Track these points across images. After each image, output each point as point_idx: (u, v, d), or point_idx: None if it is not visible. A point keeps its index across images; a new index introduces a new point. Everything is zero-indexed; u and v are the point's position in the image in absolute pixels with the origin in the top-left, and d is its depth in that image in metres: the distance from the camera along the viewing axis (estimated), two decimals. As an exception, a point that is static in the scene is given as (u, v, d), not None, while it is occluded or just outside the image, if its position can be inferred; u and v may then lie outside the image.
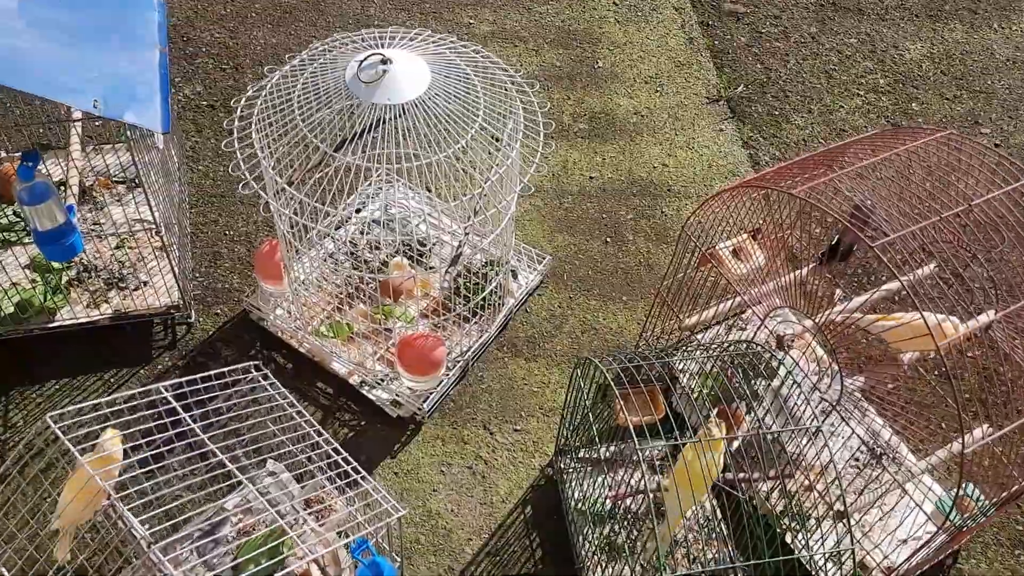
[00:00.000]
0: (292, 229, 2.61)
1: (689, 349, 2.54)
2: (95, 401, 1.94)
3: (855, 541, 2.11)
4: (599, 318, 3.11)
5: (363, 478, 2.12)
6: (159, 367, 2.87)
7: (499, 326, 3.02)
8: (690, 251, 2.55)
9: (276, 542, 2.38)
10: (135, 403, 2.01)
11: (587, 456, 2.63)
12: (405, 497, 2.64)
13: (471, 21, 4.11)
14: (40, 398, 2.76)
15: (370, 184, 3.30)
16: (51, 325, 2.81)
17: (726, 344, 2.40)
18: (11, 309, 2.81)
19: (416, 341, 2.68)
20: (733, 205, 2.55)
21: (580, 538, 2.50)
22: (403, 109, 2.41)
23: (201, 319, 3.00)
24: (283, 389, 2.24)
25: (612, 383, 2.17)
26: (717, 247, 2.64)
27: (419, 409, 2.76)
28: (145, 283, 2.95)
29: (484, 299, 2.93)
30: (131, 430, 2.01)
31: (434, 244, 3.17)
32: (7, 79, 2.18)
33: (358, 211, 3.25)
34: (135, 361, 2.87)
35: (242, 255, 3.19)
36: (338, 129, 2.43)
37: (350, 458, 2.15)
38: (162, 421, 2.01)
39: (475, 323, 2.97)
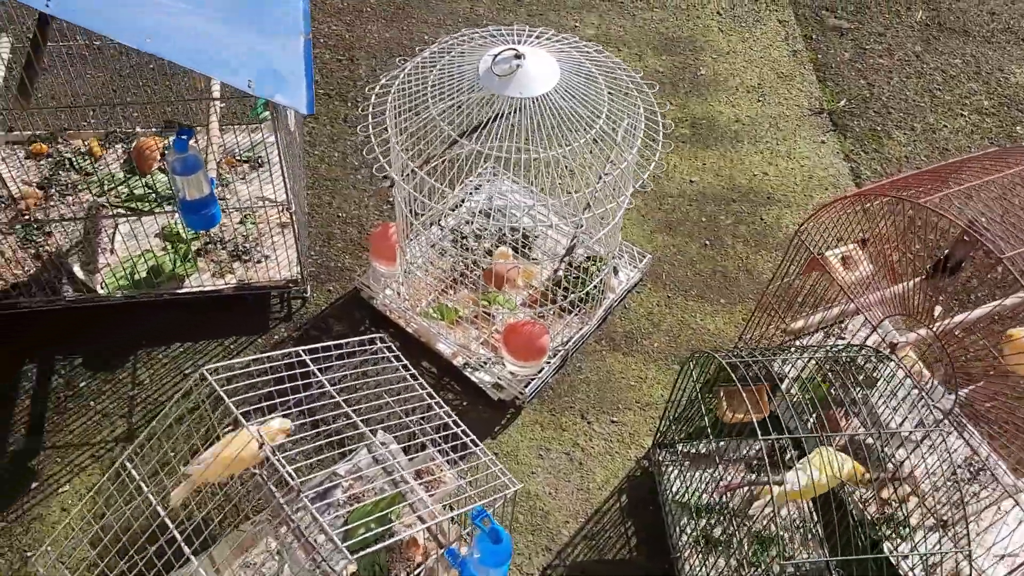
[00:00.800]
0: (413, 204, 2.71)
1: (799, 350, 2.58)
2: (247, 359, 2.07)
3: (954, 550, 2.15)
4: (696, 319, 3.17)
5: (481, 451, 2.22)
6: (275, 337, 3.01)
7: (599, 320, 3.10)
8: (802, 256, 2.60)
9: (387, 510, 2.50)
10: (276, 363, 2.13)
11: (687, 450, 2.69)
12: (486, 496, 2.74)
13: (576, 24, 4.20)
14: (166, 359, 2.92)
15: (476, 176, 3.40)
16: (180, 291, 2.97)
17: (838, 347, 2.45)
18: (144, 273, 2.98)
19: (523, 328, 2.77)
20: (844, 214, 2.60)
21: (677, 529, 2.57)
22: (532, 103, 2.51)
23: (314, 295, 3.13)
24: (405, 361, 2.35)
25: (728, 372, 2.23)
26: (826, 254, 2.69)
27: (520, 393, 2.85)
28: (267, 257, 3.09)
29: (586, 293, 3.01)
30: (268, 389, 2.13)
31: (536, 237, 3.27)
32: (168, 52, 2.31)
33: (463, 202, 3.37)
34: (253, 330, 3.02)
35: (353, 237, 3.32)
36: (467, 118, 2.54)
37: (468, 431, 2.25)
38: (296, 383, 2.12)
39: (575, 315, 3.06)
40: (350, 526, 2.51)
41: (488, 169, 3.41)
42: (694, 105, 3.89)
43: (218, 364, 2.04)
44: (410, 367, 2.35)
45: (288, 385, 2.10)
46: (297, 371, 2.13)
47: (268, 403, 2.10)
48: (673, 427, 2.62)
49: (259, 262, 3.08)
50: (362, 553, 2.01)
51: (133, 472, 1.99)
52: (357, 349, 2.28)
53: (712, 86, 3.98)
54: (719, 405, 2.56)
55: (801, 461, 2.38)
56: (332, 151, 3.59)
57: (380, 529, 2.50)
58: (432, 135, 2.54)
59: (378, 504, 2.52)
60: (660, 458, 2.73)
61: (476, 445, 2.22)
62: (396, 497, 2.53)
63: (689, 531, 2.57)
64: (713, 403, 2.52)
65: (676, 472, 2.67)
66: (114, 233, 3.12)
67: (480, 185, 3.40)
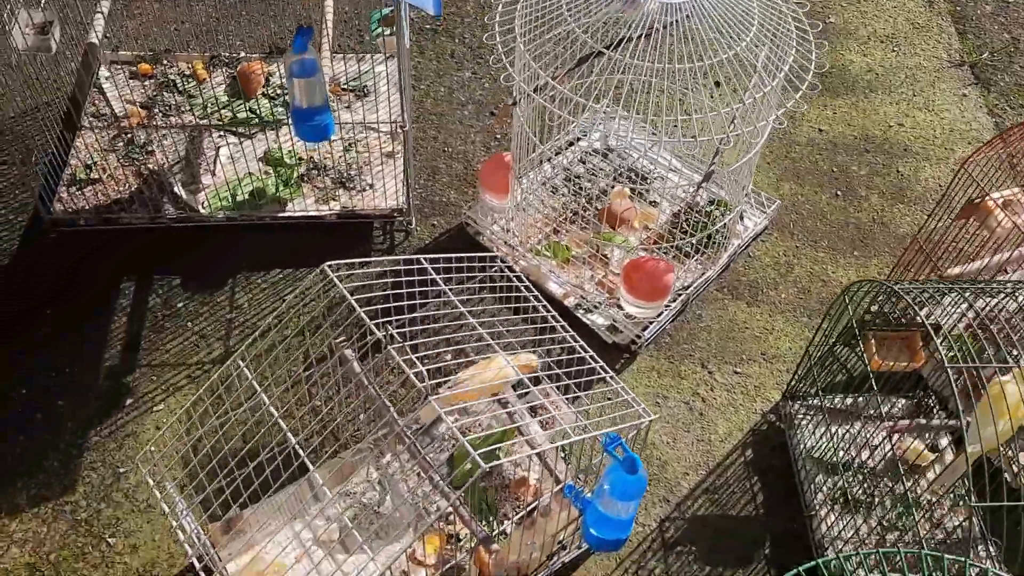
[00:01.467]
0: (536, 127, 2.53)
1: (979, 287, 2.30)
2: (366, 259, 1.91)
3: None
4: (828, 271, 2.92)
5: (612, 378, 2.03)
6: (377, 268, 2.86)
7: (721, 267, 2.88)
8: (965, 193, 2.35)
9: (494, 446, 2.32)
10: (396, 268, 1.97)
11: (823, 404, 2.46)
12: (617, 423, 2.54)
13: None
14: (265, 284, 2.79)
15: (592, 114, 3.21)
16: (281, 215, 2.84)
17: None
18: (246, 196, 2.86)
19: (646, 264, 2.57)
20: (1008, 154, 2.34)
21: (811, 487, 2.34)
22: (679, 10, 2.30)
23: (418, 228, 2.98)
24: (527, 283, 2.17)
25: (885, 313, 2.00)
26: (986, 199, 2.43)
27: (637, 337, 2.65)
28: (371, 186, 2.95)
29: (709, 237, 2.80)
30: (385, 292, 1.97)
31: (655, 179, 3.06)
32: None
33: (577, 140, 3.18)
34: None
35: (459, 172, 3.16)
36: (603, 31, 2.34)
37: (596, 356, 2.06)
38: (413, 290, 1.96)
39: (697, 260, 2.84)
40: (454, 464, 2.34)
41: (605, 107, 3.21)
42: (821, 53, 3.63)
43: (338, 262, 1.89)
44: (532, 289, 2.17)
45: (404, 291, 1.93)
46: (416, 278, 1.96)
47: (391, 305, 1.94)
48: (815, 371, 2.38)
49: (363, 190, 2.93)
50: (462, 489, 1.83)
51: (246, 371, 1.85)
52: (478, 265, 2.11)
53: (842, 34, 3.72)
54: (868, 350, 2.32)
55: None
56: (438, 86, 3.43)
57: (488, 465, 2.33)
58: (564, 49, 2.35)
59: (487, 439, 2.35)
60: (792, 411, 2.50)
61: (606, 372, 2.03)
62: (509, 432, 2.36)
63: (825, 489, 2.33)
64: (859, 350, 2.28)
65: (811, 426, 2.44)
66: (216, 156, 3.01)
67: (595, 124, 3.21)
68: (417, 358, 1.72)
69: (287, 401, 2.37)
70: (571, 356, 2.07)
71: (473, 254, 2.11)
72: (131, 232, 2.84)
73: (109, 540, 2.28)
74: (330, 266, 1.87)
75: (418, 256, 1.99)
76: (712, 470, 2.46)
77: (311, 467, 1.80)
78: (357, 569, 1.84)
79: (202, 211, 2.83)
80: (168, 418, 2.49)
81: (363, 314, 1.77)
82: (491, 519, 2.25)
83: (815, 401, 2.48)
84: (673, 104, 3.17)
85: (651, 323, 2.68)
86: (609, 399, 1.94)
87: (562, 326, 2.10)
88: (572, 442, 1.92)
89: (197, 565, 1.88)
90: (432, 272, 1.97)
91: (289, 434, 1.86)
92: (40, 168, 2.86)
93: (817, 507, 2.30)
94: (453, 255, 2.06)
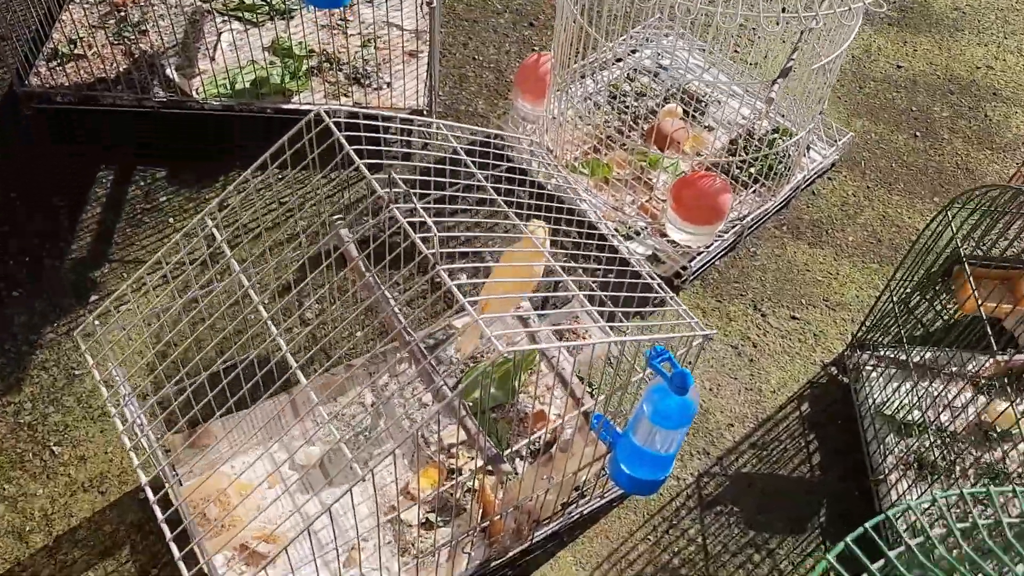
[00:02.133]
0: (589, 14, 2.17)
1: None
2: (369, 110, 1.57)
3: None
4: (903, 215, 2.55)
5: (659, 285, 1.67)
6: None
7: (781, 201, 2.51)
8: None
9: (509, 379, 1.98)
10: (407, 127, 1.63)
11: (897, 356, 2.09)
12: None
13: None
14: (260, 184, 2.44)
15: (642, 29, 2.85)
16: (285, 106, 2.50)
17: None
18: (247, 84, 2.52)
19: (699, 181, 2.21)
20: None
21: (880, 447, 1.98)
22: None
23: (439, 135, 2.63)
24: (564, 173, 1.82)
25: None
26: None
27: (682, 269, 2.29)
28: (388, 84, 2.60)
29: (769, 167, 2.44)
30: (413, 177, 1.63)
31: (711, 103, 2.70)
32: None
33: (629, 54, 2.82)
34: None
35: (489, 81, 2.81)
36: None
37: (644, 264, 1.71)
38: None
39: (755, 191, 2.48)
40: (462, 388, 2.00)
41: (655, 23, 2.86)
42: (903, -12, 3.26)
43: (336, 107, 1.55)
44: (569, 181, 1.82)
45: (421, 152, 1.59)
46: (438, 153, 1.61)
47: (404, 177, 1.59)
48: (896, 312, 2.01)
49: (380, 88, 2.59)
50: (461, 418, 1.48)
51: (216, 232, 1.52)
52: (506, 144, 1.76)
53: (925, -29, 3.34)
54: (961, 289, 1.95)
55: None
56: (473, -8, 3.09)
57: (499, 393, 1.99)
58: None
59: (501, 365, 2.01)
60: (860, 362, 2.14)
61: (652, 278, 1.68)
62: (528, 358, 2.01)
63: (897, 451, 1.97)
64: (943, 297, 1.92)
65: (881, 380, 2.08)
66: (217, 41, 2.68)
67: (646, 40, 2.85)
68: (434, 222, 1.37)
69: (273, 309, 2.04)
70: (609, 255, 1.71)
71: (503, 133, 1.76)
72: (113, 115, 2.51)
73: (54, 448, 1.95)
74: (327, 111, 1.53)
75: (437, 121, 1.64)
76: (761, 423, 2.10)
77: (303, 379, 1.45)
78: (336, 498, 1.50)
79: (195, 96, 2.50)
80: (136, 319, 2.16)
81: (364, 167, 1.43)
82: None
83: (888, 352, 2.11)
84: (732, 28, 2.81)
85: (698, 255, 2.33)
86: (651, 310, 1.59)
87: (605, 224, 1.75)
88: (603, 360, 1.57)
89: (143, 478, 1.54)
90: (453, 141, 1.62)
91: (280, 339, 1.51)
92: (20, 42, 2.54)
93: (886, 471, 1.94)
94: (480, 129, 1.71)
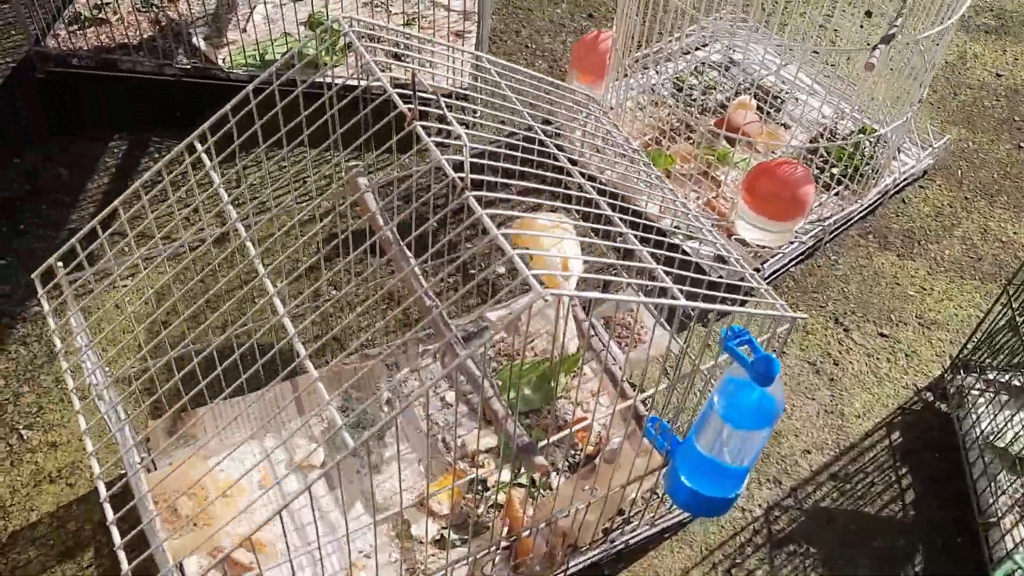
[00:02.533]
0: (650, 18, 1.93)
1: None
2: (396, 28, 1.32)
3: None
4: (1007, 230, 2.24)
5: (737, 260, 1.38)
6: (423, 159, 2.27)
7: (866, 207, 2.21)
8: None
9: (547, 381, 1.69)
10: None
11: (1008, 380, 1.77)
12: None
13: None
14: (285, 161, 2.23)
15: (712, 21, 2.60)
16: (316, 79, 2.28)
17: None
18: (278, 56, 2.32)
19: (779, 168, 1.92)
20: None
21: (990, 485, 1.64)
22: None
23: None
24: (626, 135, 1.56)
25: None
26: None
27: (755, 271, 1.99)
28: (431, 63, 2.37)
29: (855, 168, 2.15)
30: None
31: (787, 100, 2.43)
32: None
33: (697, 49, 2.57)
34: (401, 145, 2.29)
35: (542, 70, 2.56)
36: None
37: (714, 231, 1.42)
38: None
39: (836, 193, 2.19)
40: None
41: (727, 15, 2.61)
42: (1001, -5, 2.97)
43: (357, 17, 1.31)
44: (638, 149, 1.55)
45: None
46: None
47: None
48: (1019, 327, 1.69)
49: (422, 66, 2.36)
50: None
51: (205, 157, 1.28)
52: (560, 92, 1.50)
53: (1025, -20, 3.05)
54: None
55: None
56: (529, -18, 2.87)
57: (535, 396, 1.70)
58: None
59: (536, 366, 1.72)
60: (963, 385, 1.81)
61: (729, 252, 1.39)
62: (572, 358, 1.72)
63: (1011, 491, 1.64)
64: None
65: (990, 408, 1.75)
66: (250, 14, 2.48)
67: (713, 36, 2.60)
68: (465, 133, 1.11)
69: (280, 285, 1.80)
70: (669, 255, 1.44)
71: (559, 82, 1.50)
72: (132, 81, 2.31)
73: (23, 432, 1.70)
74: (346, 19, 1.29)
75: (481, 55, 1.39)
76: (843, 452, 1.78)
77: (311, 369, 1.15)
78: (341, 509, 1.21)
79: (221, 65, 2.29)
80: (134, 298, 1.93)
81: (386, 81, 1.18)
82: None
83: (999, 376, 1.79)
84: (811, 29, 2.56)
85: (772, 257, 2.04)
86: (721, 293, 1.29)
87: (669, 188, 1.47)
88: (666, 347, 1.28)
89: (96, 469, 1.25)
90: (495, 75, 1.37)
91: (286, 320, 1.23)
92: (41, 6, 2.36)
93: (999, 513, 1.60)
94: (529, 71, 1.46)
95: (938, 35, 1.88)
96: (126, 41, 2.33)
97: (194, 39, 2.36)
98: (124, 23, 2.38)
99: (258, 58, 2.32)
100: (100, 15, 2.40)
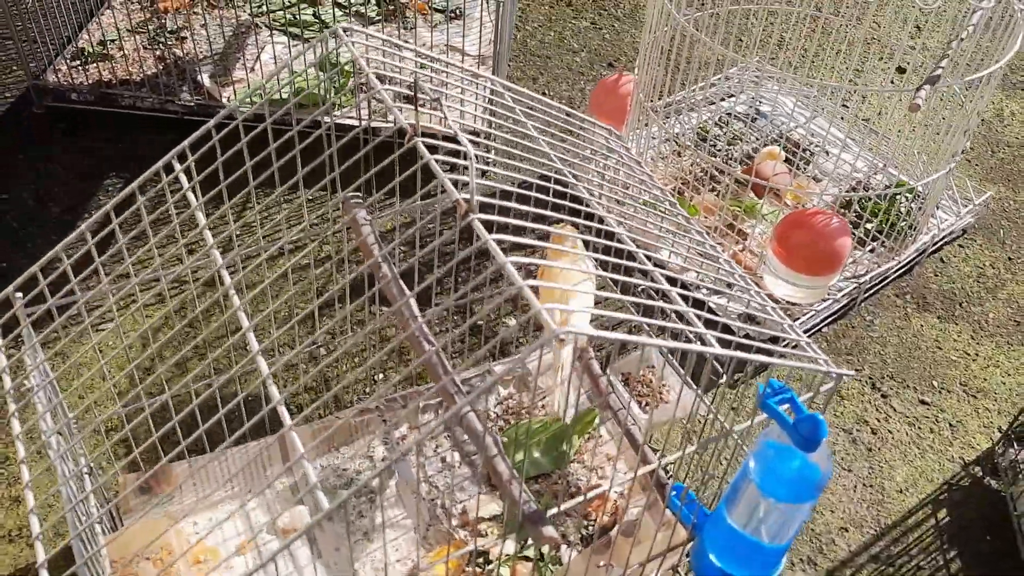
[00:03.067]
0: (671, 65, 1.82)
1: None
2: (398, 42, 1.21)
3: None
4: (1055, 293, 2.09)
5: (772, 308, 1.24)
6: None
7: (903, 266, 2.07)
8: None
9: (563, 438, 1.54)
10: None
11: (1066, 451, 1.60)
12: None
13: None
14: (286, 204, 2.11)
15: (738, 71, 2.50)
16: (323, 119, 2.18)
17: None
18: (284, 95, 2.22)
19: (811, 219, 1.79)
20: None
21: (1053, 571, 1.47)
22: None
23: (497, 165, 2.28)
24: (641, 163, 1.43)
25: None
26: None
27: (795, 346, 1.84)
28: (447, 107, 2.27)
29: (891, 224, 2.02)
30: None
31: (816, 154, 2.31)
32: None
33: (719, 101, 2.46)
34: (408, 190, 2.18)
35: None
36: None
37: (748, 278, 1.28)
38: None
39: (871, 249, 2.05)
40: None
41: (753, 69, 2.51)
42: (1037, 54, 2.87)
43: (353, 28, 1.20)
44: (664, 189, 1.43)
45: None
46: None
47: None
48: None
49: (434, 110, 2.26)
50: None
51: (183, 179, 1.16)
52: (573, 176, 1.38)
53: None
54: None
55: None
56: (547, 31, 2.79)
57: (545, 460, 1.54)
58: None
59: (547, 426, 1.57)
60: (1017, 459, 1.65)
61: (764, 300, 1.25)
62: (587, 418, 1.57)
63: (1078, 580, 1.46)
64: None
65: (1048, 484, 1.58)
66: (260, 53, 2.40)
67: (739, 87, 2.49)
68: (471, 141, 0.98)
69: (273, 335, 1.67)
70: (695, 311, 1.30)
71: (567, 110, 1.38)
72: (131, 119, 2.22)
73: (-16, 484, 1.56)
74: (345, 29, 1.18)
75: (500, 81, 1.28)
76: (884, 531, 1.61)
77: (286, 419, 1.00)
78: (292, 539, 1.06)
79: (224, 103, 2.20)
80: (116, 341, 1.80)
81: (371, 73, 1.07)
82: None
83: (1056, 449, 1.62)
84: (841, 83, 2.46)
85: (804, 315, 1.89)
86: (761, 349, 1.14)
87: (698, 234, 1.34)
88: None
89: (36, 528, 1.07)
90: (518, 112, 1.25)
91: (261, 361, 1.08)
92: (47, 42, 2.29)
93: (1065, 606, 1.43)
94: (538, 96, 1.34)
95: (984, 80, 1.77)
96: (128, 77, 2.25)
97: (199, 75, 2.28)
98: (129, 60, 2.30)
99: (262, 95, 2.23)
100: (104, 51, 2.32)
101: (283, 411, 0.98)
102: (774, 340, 1.57)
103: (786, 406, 1.04)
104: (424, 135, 1.06)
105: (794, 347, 1.22)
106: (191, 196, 1.15)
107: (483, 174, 2.19)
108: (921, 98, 1.51)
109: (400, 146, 1.04)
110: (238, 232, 2.00)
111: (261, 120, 1.17)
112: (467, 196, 0.94)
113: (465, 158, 0.95)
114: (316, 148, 1.29)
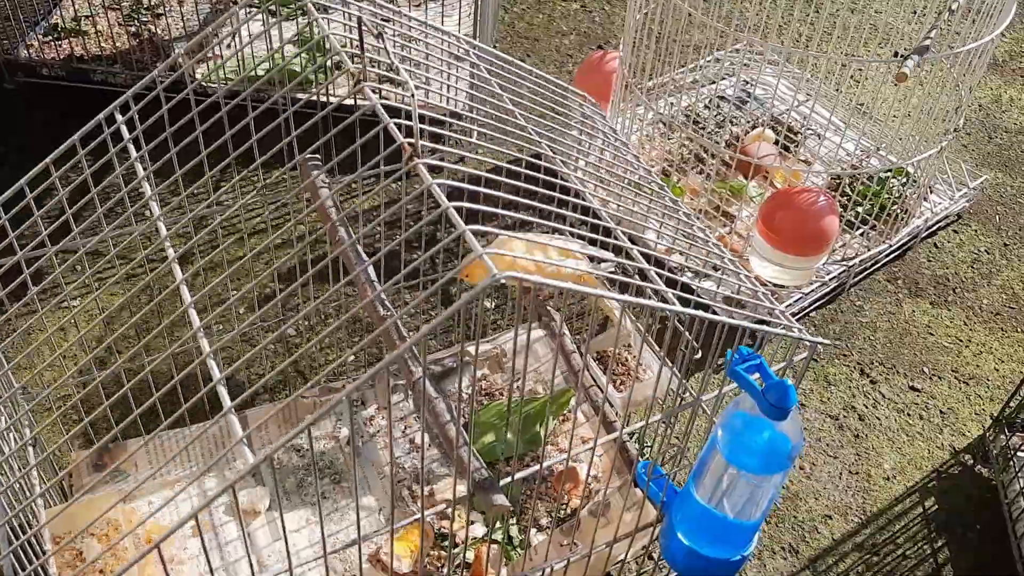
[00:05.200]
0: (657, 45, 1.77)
1: None
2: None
3: None
4: (1051, 279, 2.03)
5: (746, 277, 1.18)
6: (414, 187, 2.11)
7: (895, 250, 2.01)
8: None
9: (537, 419, 1.49)
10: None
11: (1059, 437, 1.54)
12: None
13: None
14: (259, 180, 2.06)
15: (727, 54, 2.44)
16: (300, 97, 2.13)
17: None
18: (260, 72, 2.17)
19: (799, 197, 1.73)
20: None
21: (1044, 559, 1.41)
22: None
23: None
24: (616, 133, 1.38)
25: None
26: None
27: (769, 315, 1.78)
28: (427, 87, 2.22)
29: (881, 206, 1.96)
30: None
31: (808, 137, 2.25)
32: None
33: (711, 83, 2.41)
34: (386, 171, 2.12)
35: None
36: None
37: (716, 242, 1.22)
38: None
39: (861, 232, 2.00)
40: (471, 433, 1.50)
41: (747, 49, 2.45)
42: (1036, 41, 2.81)
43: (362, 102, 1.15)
44: (626, 144, 1.37)
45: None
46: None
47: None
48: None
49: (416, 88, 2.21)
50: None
51: (123, 129, 1.11)
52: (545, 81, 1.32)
53: (1061, 27, 2.90)
54: None
55: None
56: (536, 13, 2.73)
57: (519, 441, 1.49)
58: None
59: (521, 407, 1.51)
60: (1009, 446, 1.58)
61: (736, 268, 1.19)
62: (563, 398, 1.52)
63: (1070, 570, 1.40)
64: None
65: (1040, 471, 1.52)
66: (238, 29, 2.35)
67: (729, 69, 2.44)
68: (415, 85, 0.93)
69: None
70: (680, 294, 1.25)
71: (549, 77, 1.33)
72: (105, 94, 2.17)
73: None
74: (316, 5, 1.12)
75: (469, 39, 1.22)
76: (870, 519, 1.55)
77: (226, 400, 0.92)
78: (286, 565, 1.00)
79: (198, 76, 2.15)
80: (82, 320, 1.75)
81: (334, 39, 1.01)
82: (510, 523, 1.39)
83: (1049, 435, 1.56)
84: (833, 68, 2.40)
85: (791, 299, 1.83)
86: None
87: (673, 201, 1.28)
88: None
89: None
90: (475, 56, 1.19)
91: (202, 339, 1.01)
92: (19, 18, 2.24)
93: (1056, 597, 1.37)
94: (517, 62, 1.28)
95: (975, 55, 1.71)
96: (101, 53, 2.20)
97: (174, 51, 2.23)
98: (103, 35, 2.25)
99: (239, 73, 2.18)
100: (78, 27, 2.27)
101: (223, 392, 0.92)
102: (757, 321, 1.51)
103: (756, 374, 0.98)
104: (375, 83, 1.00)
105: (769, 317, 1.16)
106: (131, 148, 1.09)
107: (461, 159, 2.14)
108: (908, 67, 1.45)
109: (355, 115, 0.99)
110: (188, 199, 1.94)
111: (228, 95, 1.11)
112: (411, 140, 0.88)
113: (409, 118, 0.90)
114: (277, 121, 1.23)
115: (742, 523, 1.04)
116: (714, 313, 0.99)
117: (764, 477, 0.98)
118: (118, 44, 2.23)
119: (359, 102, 1.12)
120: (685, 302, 0.96)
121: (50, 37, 2.23)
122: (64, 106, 2.19)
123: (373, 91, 0.97)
